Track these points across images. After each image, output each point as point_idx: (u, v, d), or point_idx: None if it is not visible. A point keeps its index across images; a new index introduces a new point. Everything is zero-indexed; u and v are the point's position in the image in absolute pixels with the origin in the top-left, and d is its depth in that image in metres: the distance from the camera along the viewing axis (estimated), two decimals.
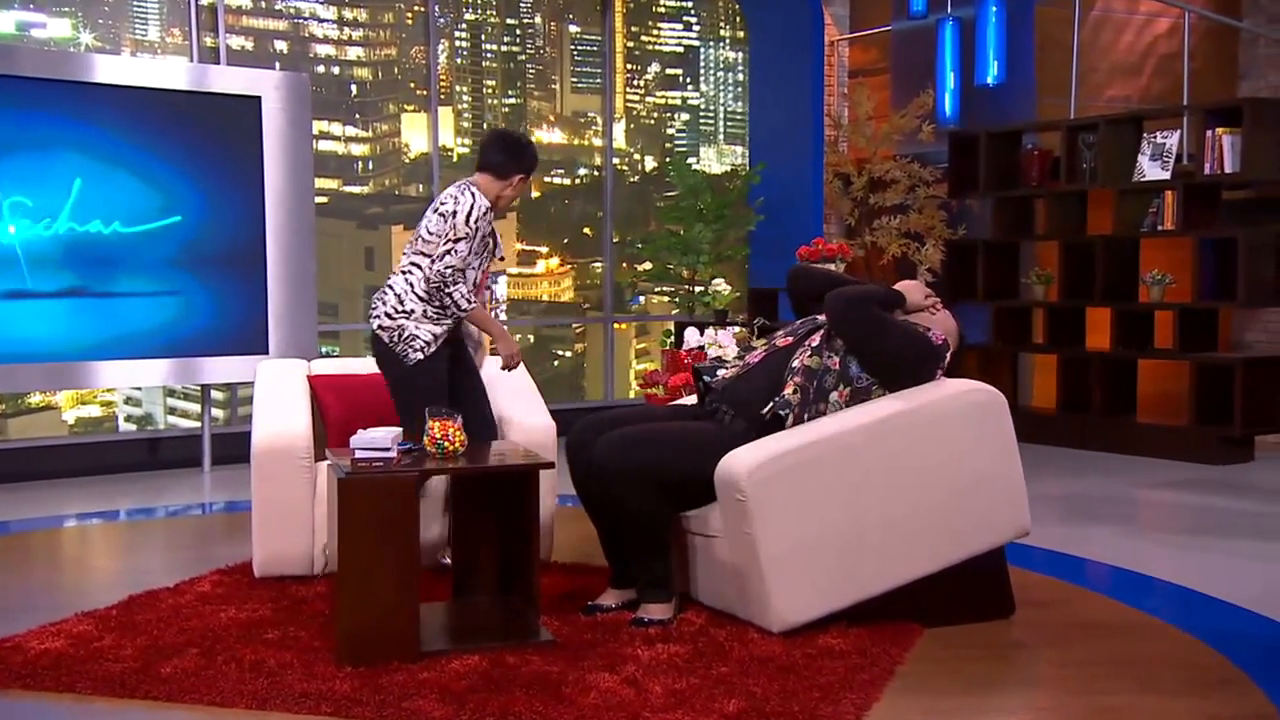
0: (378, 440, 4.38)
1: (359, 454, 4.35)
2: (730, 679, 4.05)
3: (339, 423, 5.52)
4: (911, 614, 4.67)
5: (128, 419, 9.24)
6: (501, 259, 5.44)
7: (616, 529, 4.83)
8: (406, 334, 5.13)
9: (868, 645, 4.39)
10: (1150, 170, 9.03)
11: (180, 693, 4.00)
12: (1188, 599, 5.33)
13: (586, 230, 10.79)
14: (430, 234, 5.14)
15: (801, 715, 3.75)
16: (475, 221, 5.07)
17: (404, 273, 5.19)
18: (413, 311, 5.13)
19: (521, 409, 5.68)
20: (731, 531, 4.56)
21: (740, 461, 4.51)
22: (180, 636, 4.52)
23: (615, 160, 10.66)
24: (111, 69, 8.14)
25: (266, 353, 8.48)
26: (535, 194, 10.70)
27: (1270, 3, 11.26)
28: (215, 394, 8.83)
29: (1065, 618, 4.96)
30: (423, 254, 5.15)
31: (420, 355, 5.12)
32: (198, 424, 9.03)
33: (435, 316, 5.14)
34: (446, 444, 4.50)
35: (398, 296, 5.17)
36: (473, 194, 5.11)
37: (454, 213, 5.08)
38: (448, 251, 5.06)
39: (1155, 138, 9.04)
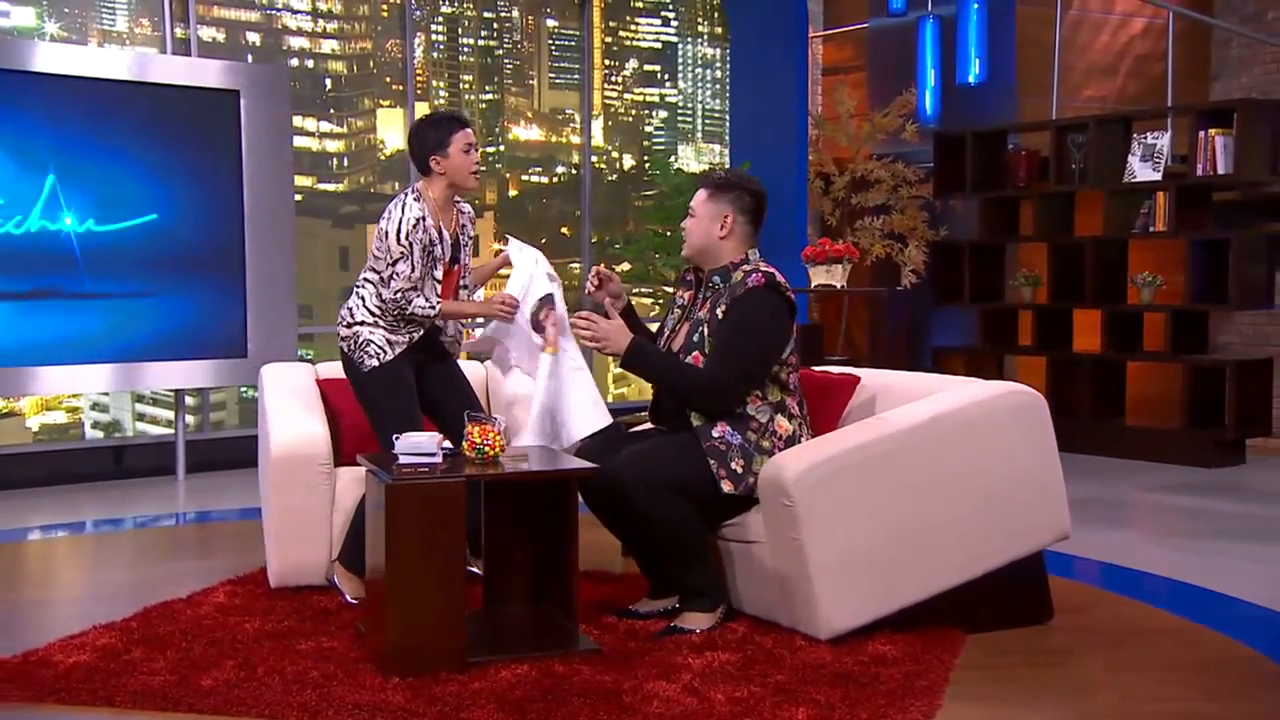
0: (422, 445, 4.23)
1: (403, 459, 4.20)
2: (790, 687, 3.97)
3: (353, 428, 5.35)
4: (952, 619, 4.59)
5: (94, 425, 8.99)
6: (461, 265, 5.18)
7: (647, 542, 4.73)
8: (361, 339, 5.00)
9: (919, 652, 4.31)
10: (1141, 171, 9.03)
11: (226, 705, 3.87)
12: (1215, 601, 5.31)
13: (564, 230, 10.64)
14: (375, 251, 5.00)
15: None
16: (406, 237, 4.88)
17: (357, 287, 5.09)
18: (364, 321, 5.01)
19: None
20: (776, 537, 4.46)
21: (787, 466, 4.42)
22: (211, 648, 4.38)
23: (593, 158, 10.52)
24: (85, 61, 7.90)
25: (245, 356, 8.27)
26: (513, 193, 10.55)
27: (1242, 3, 11.32)
28: (187, 399, 8.56)
29: (1103, 622, 4.92)
30: (373, 269, 5.02)
31: (375, 361, 4.98)
32: (167, 430, 8.80)
33: (391, 326, 5.00)
34: (487, 449, 4.36)
35: (349, 310, 5.06)
36: (404, 206, 4.93)
37: (386, 232, 4.93)
38: (393, 275, 4.91)
39: (1145, 138, 9.04)
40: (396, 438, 4.33)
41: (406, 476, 4.13)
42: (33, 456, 8.37)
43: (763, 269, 4.65)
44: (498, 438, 4.38)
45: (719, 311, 4.62)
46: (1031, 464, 4.72)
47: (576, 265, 10.53)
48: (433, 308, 4.95)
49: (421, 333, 5.04)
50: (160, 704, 3.89)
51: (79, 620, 4.76)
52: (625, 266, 10.38)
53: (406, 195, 4.98)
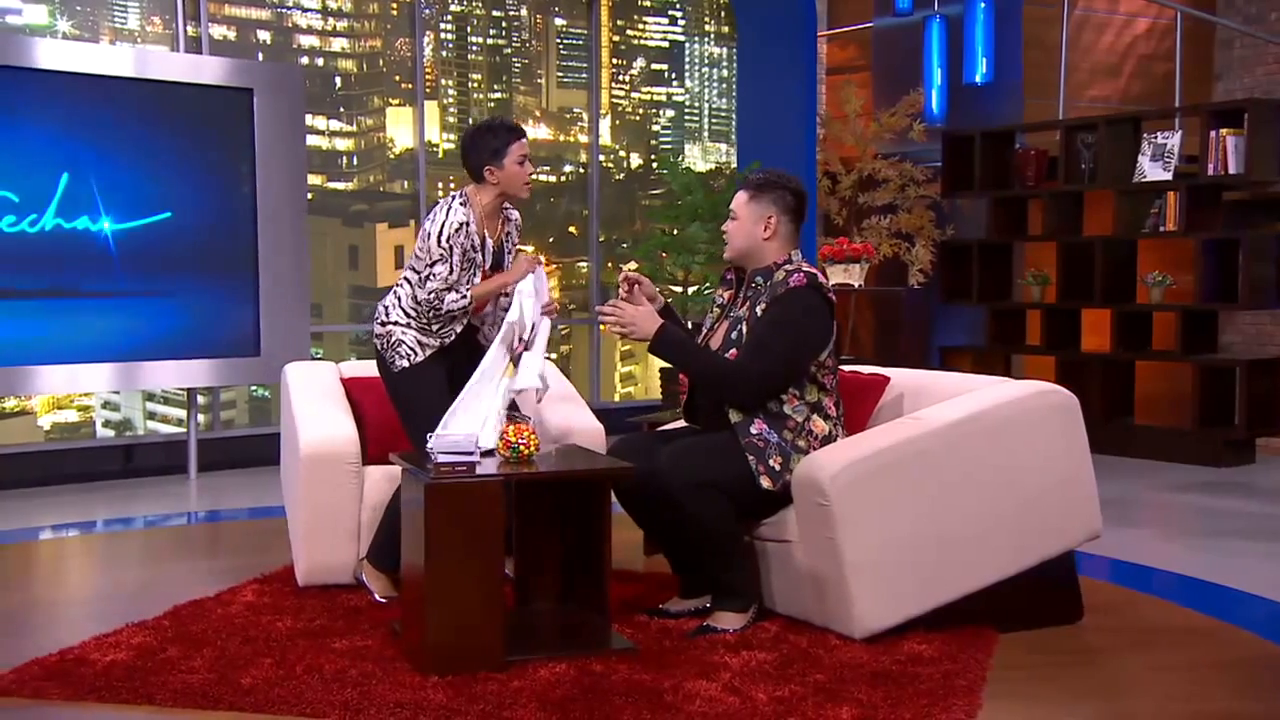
0: (460, 444, 4.22)
1: (441, 458, 4.18)
2: (830, 686, 3.97)
3: (378, 426, 5.34)
4: (984, 618, 4.59)
5: (105, 424, 8.96)
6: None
7: (682, 541, 4.73)
8: (393, 339, 4.99)
9: (955, 651, 4.32)
10: (1151, 171, 9.03)
11: (267, 703, 3.87)
12: (1241, 600, 5.33)
13: (572, 229, 10.64)
14: (417, 251, 4.98)
15: None
16: (447, 241, 4.84)
17: (396, 286, 5.06)
18: (397, 321, 4.99)
19: (568, 413, 5.53)
20: (811, 537, 4.46)
21: (822, 466, 4.42)
22: (246, 647, 4.37)
23: (600, 157, 10.51)
24: (99, 59, 7.88)
25: (258, 354, 8.25)
26: None
27: (1245, 4, 11.35)
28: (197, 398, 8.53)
29: (1133, 622, 4.93)
30: (412, 269, 4.99)
31: (405, 362, 4.96)
32: (177, 429, 8.79)
33: (423, 328, 4.97)
34: (522, 447, 4.36)
35: (385, 308, 5.04)
36: (449, 210, 4.89)
37: (429, 233, 4.89)
38: (429, 276, 4.88)
39: (1156, 138, 9.04)
40: (431, 436, 4.33)
41: (445, 475, 4.12)
42: (44, 455, 8.34)
43: (805, 269, 4.64)
44: (533, 436, 4.38)
45: (758, 309, 4.62)
46: (1065, 463, 4.73)
47: (584, 264, 10.53)
48: (464, 298, 4.90)
49: (454, 336, 5.01)
50: (201, 702, 3.88)
51: (108, 619, 4.75)
52: (632, 265, 10.38)
53: (454, 199, 4.94)
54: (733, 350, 4.62)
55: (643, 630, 4.57)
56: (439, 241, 4.84)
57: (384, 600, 4.94)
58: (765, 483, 4.52)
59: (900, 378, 5.23)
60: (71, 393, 8.38)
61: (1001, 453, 4.61)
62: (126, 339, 7.91)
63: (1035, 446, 4.67)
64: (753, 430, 4.56)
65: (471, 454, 4.22)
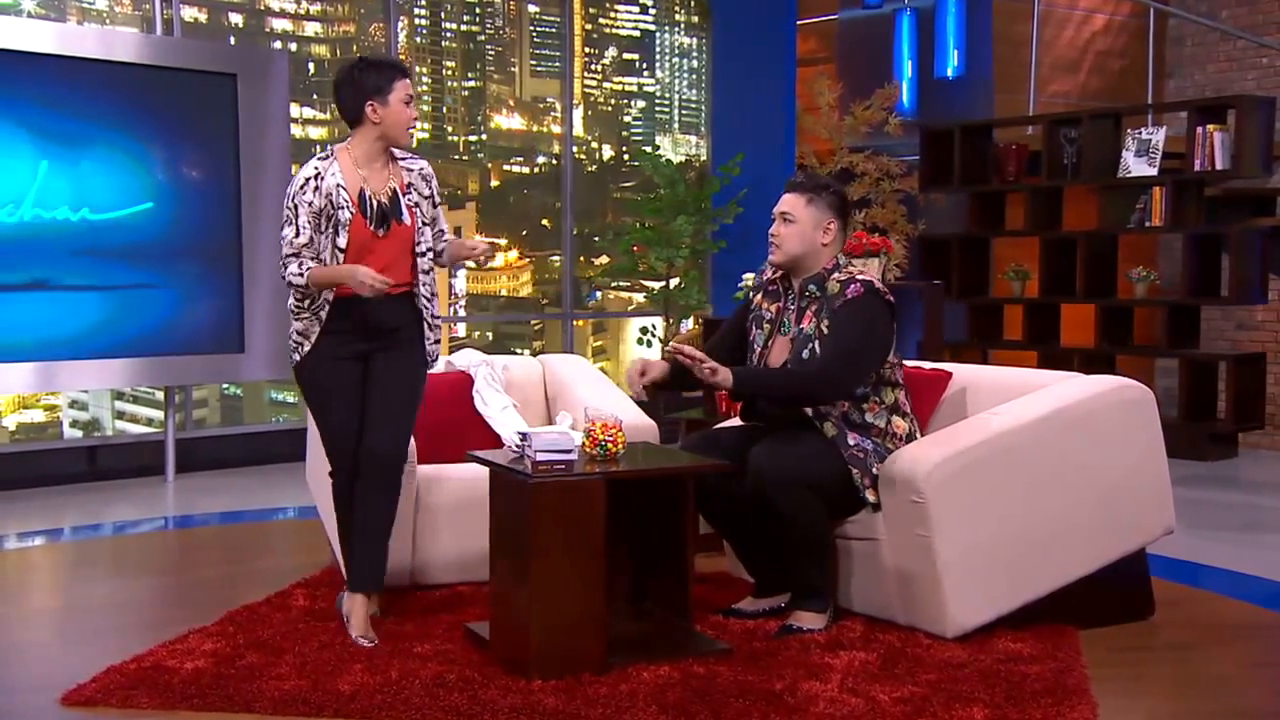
0: (559, 442, 4.06)
1: (540, 456, 4.03)
2: (948, 685, 3.91)
3: (420, 428, 5.12)
4: (1060, 615, 4.54)
5: (73, 424, 8.61)
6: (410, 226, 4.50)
7: (763, 540, 4.65)
8: (290, 329, 4.54)
9: (1050, 649, 4.28)
10: (1136, 166, 9.04)
11: (374, 709, 3.73)
12: None
13: (545, 222, 10.44)
14: None
15: None
16: (293, 199, 4.35)
17: None
18: (291, 309, 4.52)
19: (618, 411, 5.34)
20: (901, 534, 4.40)
21: (916, 461, 4.36)
22: (326, 652, 4.20)
23: (573, 148, 10.33)
24: (80, 42, 7.58)
25: (242, 351, 7.97)
26: (494, 183, 10.32)
27: (1196, 3, 11.48)
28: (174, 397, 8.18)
29: (1205, 618, 4.92)
30: None
31: (297, 356, 4.51)
32: (147, 429, 8.47)
33: (296, 311, 4.47)
34: (609, 445, 4.22)
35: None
36: (304, 166, 4.41)
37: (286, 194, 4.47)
38: (280, 240, 4.42)
39: (1140, 134, 9.07)
40: (522, 434, 4.17)
41: (543, 474, 3.99)
42: (8, 458, 7.92)
43: (860, 278, 4.55)
44: (620, 434, 4.24)
45: (823, 326, 4.52)
46: (1144, 458, 4.72)
47: (557, 258, 10.32)
48: (300, 276, 4.32)
49: (325, 311, 4.41)
50: (304, 709, 3.74)
51: (159, 625, 4.57)
52: (604, 259, 10.26)
53: (319, 155, 4.47)
54: None
55: (725, 631, 4.48)
56: (287, 199, 4.38)
57: (367, 641, 4.35)
58: (871, 496, 4.46)
59: (960, 373, 5.16)
60: (44, 391, 8.02)
61: (1085, 448, 4.58)
62: (106, 334, 7.57)
63: (1116, 441, 4.65)
64: (850, 442, 4.48)
65: (570, 452, 4.07)
